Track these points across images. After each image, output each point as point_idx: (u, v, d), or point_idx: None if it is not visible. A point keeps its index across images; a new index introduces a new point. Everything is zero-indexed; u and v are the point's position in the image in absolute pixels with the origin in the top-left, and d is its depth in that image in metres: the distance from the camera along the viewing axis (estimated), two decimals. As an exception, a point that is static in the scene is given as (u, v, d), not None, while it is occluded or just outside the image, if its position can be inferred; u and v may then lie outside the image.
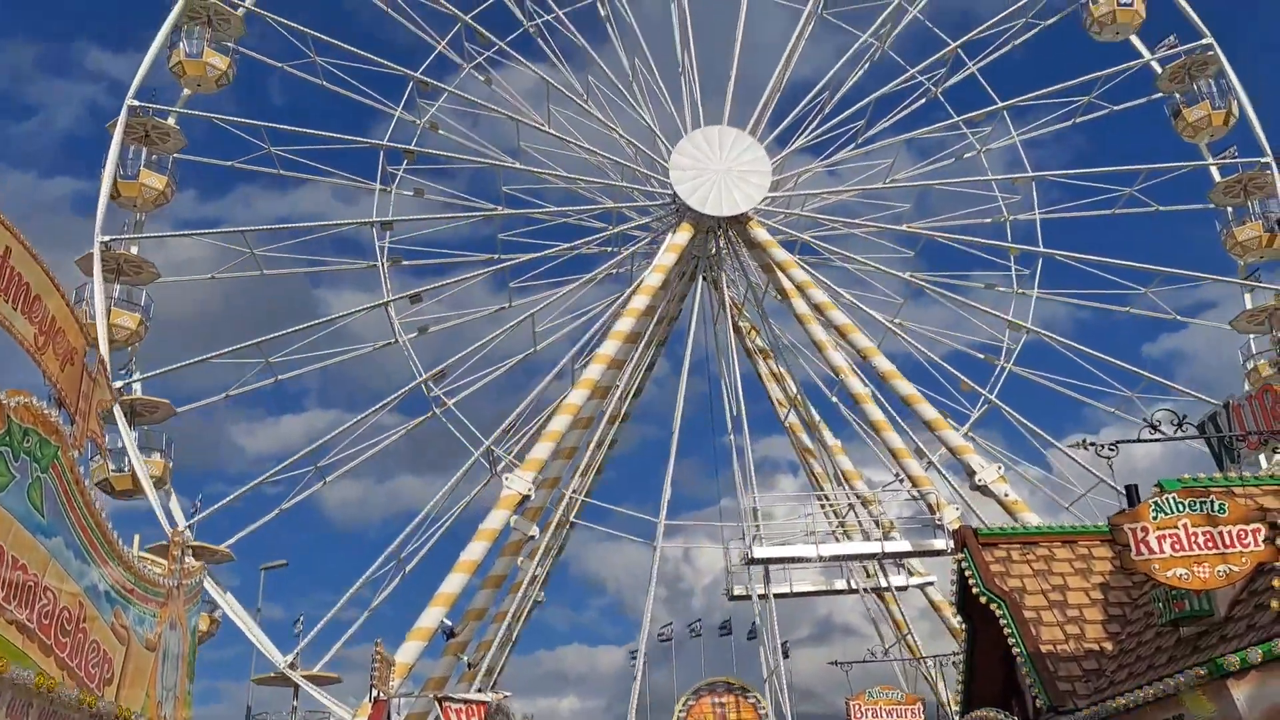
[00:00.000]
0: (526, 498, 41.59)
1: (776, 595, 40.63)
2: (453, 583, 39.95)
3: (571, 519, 48.57)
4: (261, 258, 44.21)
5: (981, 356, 48.83)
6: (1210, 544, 12.69)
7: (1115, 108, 49.51)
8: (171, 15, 43.44)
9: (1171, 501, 12.99)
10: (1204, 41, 47.59)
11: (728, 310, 48.74)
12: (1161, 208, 49.25)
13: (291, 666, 38.81)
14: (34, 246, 10.80)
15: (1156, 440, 13.52)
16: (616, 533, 46.74)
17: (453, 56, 48.15)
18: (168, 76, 44.03)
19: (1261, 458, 19.56)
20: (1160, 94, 48.67)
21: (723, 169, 46.63)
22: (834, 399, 50.06)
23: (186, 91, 44.16)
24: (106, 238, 41.29)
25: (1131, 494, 14.94)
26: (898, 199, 50.60)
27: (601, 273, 49.63)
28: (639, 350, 49.73)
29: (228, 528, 41.79)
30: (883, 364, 44.08)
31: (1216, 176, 47.80)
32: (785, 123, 49.08)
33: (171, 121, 43.10)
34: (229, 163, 45.62)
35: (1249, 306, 46.37)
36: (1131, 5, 48.37)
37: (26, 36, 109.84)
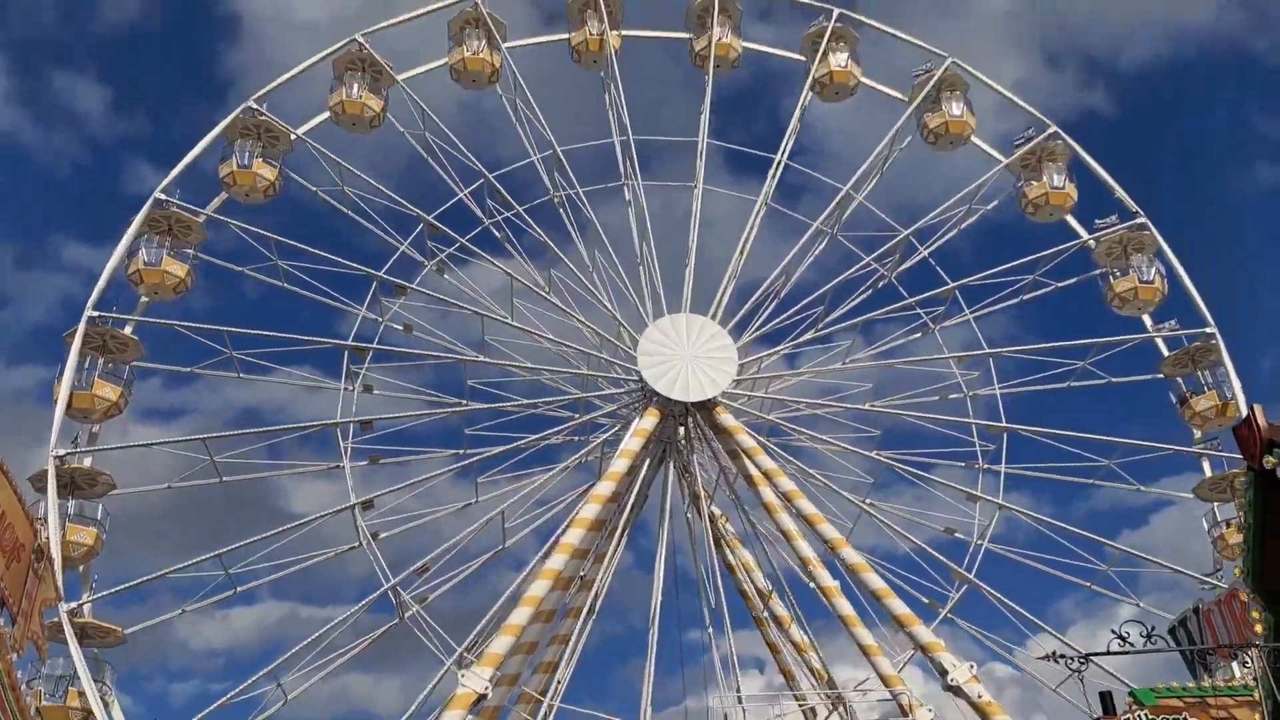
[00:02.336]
0: (483, 696, 39.92)
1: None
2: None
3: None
4: (221, 464, 43.79)
5: (956, 535, 48.68)
6: (1185, 763, 12.30)
7: (1060, 285, 50.77)
8: (132, 227, 44.28)
9: (1143, 719, 12.64)
10: (1138, 220, 49.62)
11: (700, 502, 48.38)
12: (1114, 379, 50.06)
13: None
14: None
15: (1126, 653, 13.23)
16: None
17: (415, 256, 48.92)
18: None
19: (1235, 665, 19.19)
20: (1099, 271, 50.23)
21: (689, 355, 46.97)
22: (812, 585, 49.48)
23: (144, 300, 44.68)
24: (61, 451, 40.98)
25: (1106, 702, 14.53)
26: (860, 379, 51.18)
27: (571, 463, 49.34)
28: (608, 539, 49.12)
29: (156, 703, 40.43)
30: (851, 556, 43.59)
31: (1164, 349, 49.03)
32: (745, 309, 49.86)
33: (129, 331, 43.44)
34: (189, 369, 46.15)
35: (1208, 475, 46.65)
36: (1063, 189, 50.72)
37: (2, 233, 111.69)
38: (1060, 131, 51.42)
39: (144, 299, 44.86)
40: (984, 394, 50.42)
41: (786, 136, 52.13)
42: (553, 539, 45.82)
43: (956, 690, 40.15)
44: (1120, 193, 50.61)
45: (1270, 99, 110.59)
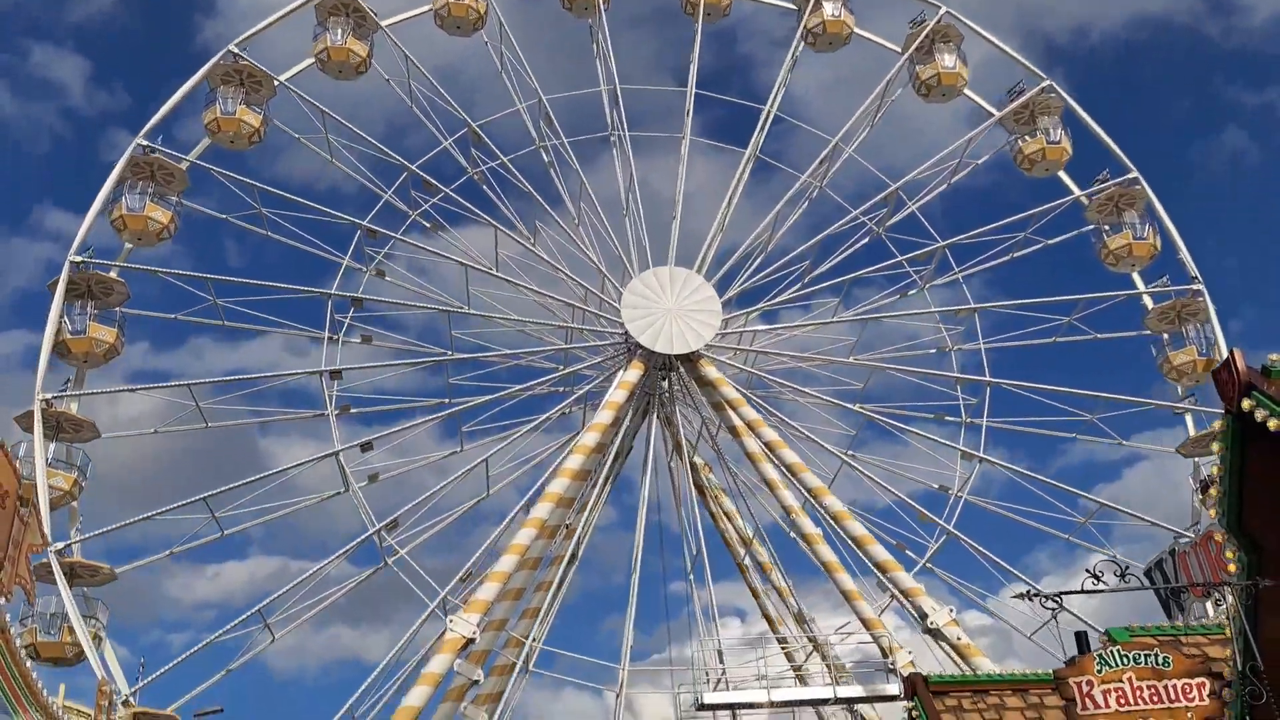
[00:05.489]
0: (471, 641, 40.52)
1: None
2: (394, 731, 38.73)
3: (529, 668, 47.39)
4: (207, 410, 43.82)
5: (935, 487, 49.08)
6: (1155, 698, 12.56)
7: (1049, 241, 50.95)
8: (114, 172, 43.97)
9: (1116, 654, 12.89)
10: (1130, 175, 49.62)
11: (682, 451, 48.64)
12: (1099, 335, 50.44)
13: None
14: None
15: (1100, 591, 13.44)
16: (571, 679, 45.78)
17: (399, 205, 48.72)
18: (113, 233, 44.32)
19: (1208, 605, 19.54)
20: (1091, 227, 50.39)
21: (673, 308, 47.09)
22: (792, 535, 49.91)
23: (128, 246, 44.33)
24: (47, 395, 40.87)
25: (1081, 642, 14.80)
26: (846, 334, 51.42)
27: (554, 414, 49.49)
28: (591, 488, 49.40)
29: (173, 687, 40.51)
30: (834, 504, 44.03)
31: (1150, 304, 49.27)
32: (730, 261, 49.94)
33: (114, 275, 43.12)
34: (173, 315, 45.79)
35: (1192, 432, 47.05)
36: (1059, 143, 50.51)
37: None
38: (1054, 85, 51.36)
39: (127, 245, 44.60)
40: (968, 349, 50.74)
41: (776, 85, 52.07)
42: (536, 486, 46.04)
43: (936, 633, 40.80)
44: (1113, 147, 50.57)
45: (1232, 70, 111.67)
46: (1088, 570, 14.02)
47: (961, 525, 46.87)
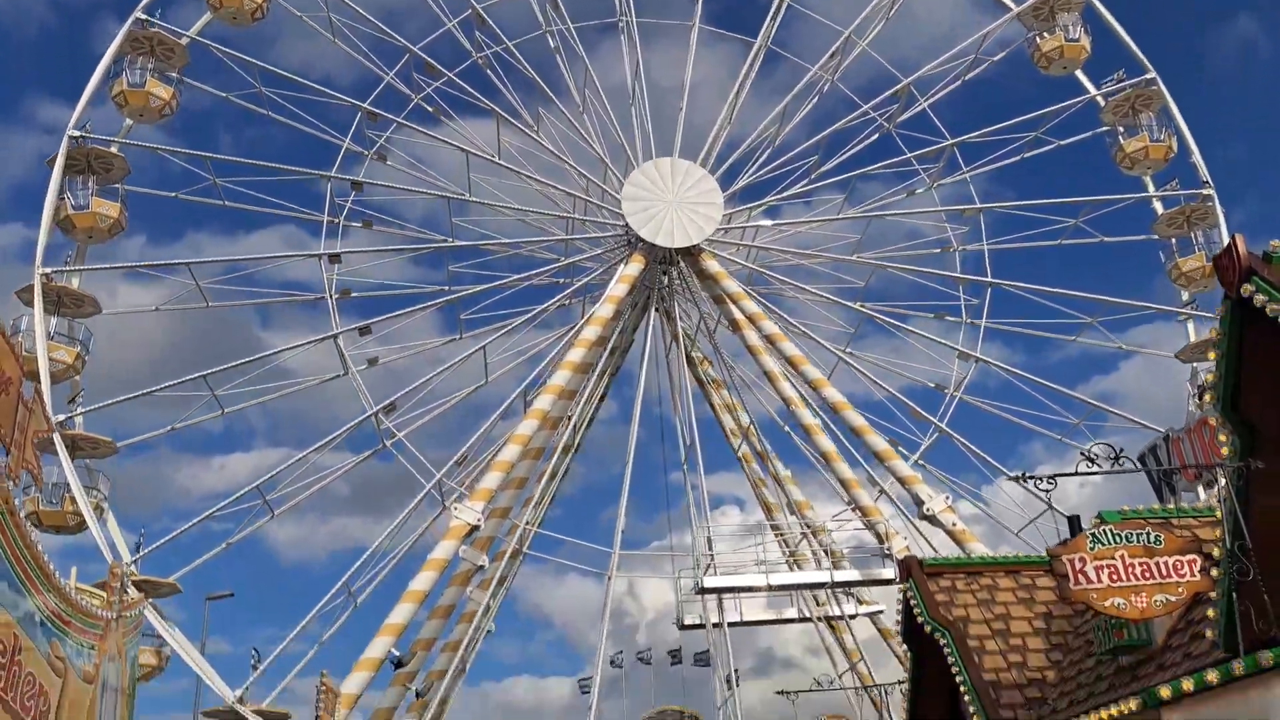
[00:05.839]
0: (475, 528, 41.31)
1: (728, 624, 40.67)
2: (400, 613, 39.46)
3: (524, 550, 48.36)
4: (208, 290, 43.78)
5: (931, 385, 49.40)
6: (1147, 574, 12.89)
7: (1062, 143, 50.41)
8: (113, 45, 43.19)
9: (1109, 533, 13.20)
10: (1148, 76, 48.71)
11: (680, 342, 48.90)
12: (1106, 239, 50.22)
13: (240, 701, 38.22)
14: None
15: (1093, 474, 13.75)
16: (570, 563, 46.77)
17: (401, 88, 48.16)
18: (111, 114, 43.82)
19: (1200, 490, 19.94)
20: (1105, 129, 49.68)
21: (674, 200, 46.89)
22: (786, 430, 50.41)
23: (128, 123, 43.88)
24: (48, 269, 40.76)
25: (1074, 525, 15.14)
26: (848, 232, 51.25)
27: (553, 304, 49.62)
28: (590, 381, 49.78)
29: (176, 565, 41.14)
30: (833, 395, 44.37)
31: (1160, 209, 48.78)
32: (735, 155, 49.56)
33: (114, 150, 42.72)
34: (174, 194, 45.30)
35: (1192, 338, 47.14)
36: (1078, 40, 49.49)
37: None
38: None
39: (128, 122, 44.06)
40: (972, 249, 50.67)
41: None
42: (534, 375, 46.42)
43: (932, 519, 41.55)
44: (1131, 46, 49.44)
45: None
46: (1082, 453, 14.32)
47: (956, 423, 47.37)
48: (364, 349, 46.31)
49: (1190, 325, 47.96)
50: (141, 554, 39.47)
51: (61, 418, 39.04)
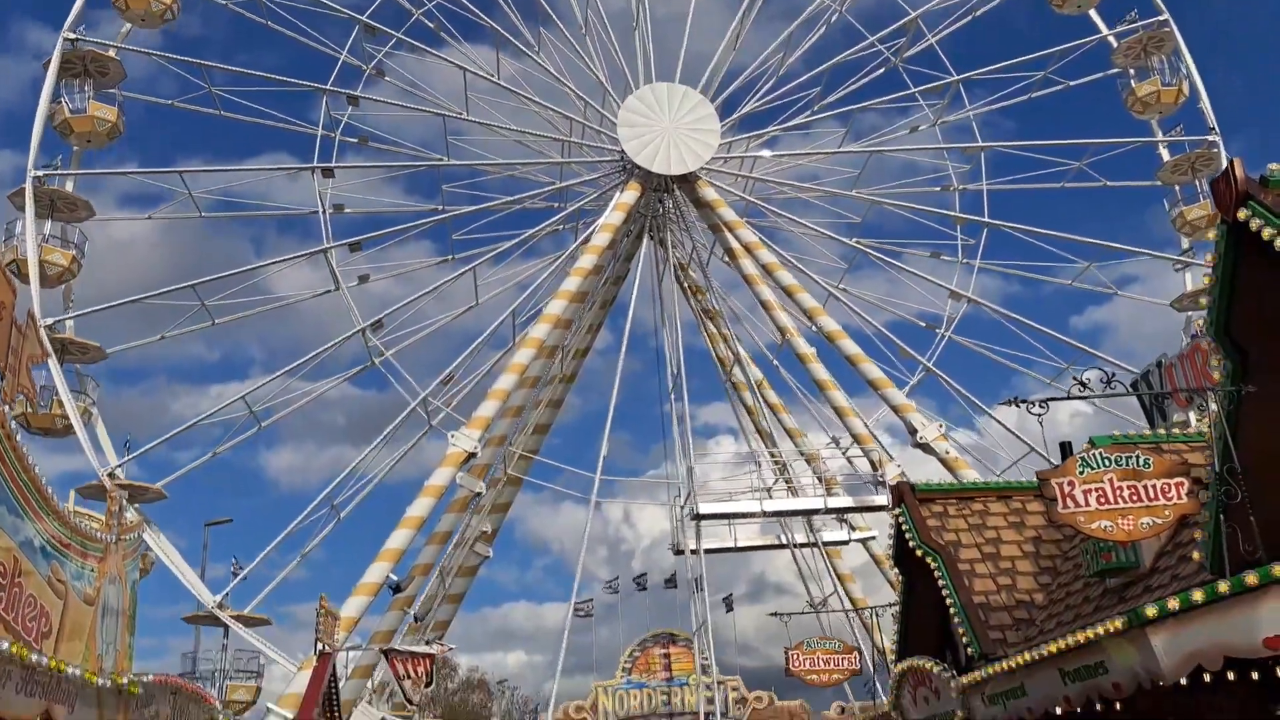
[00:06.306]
0: (472, 455, 41.65)
1: (721, 550, 41.18)
2: (398, 538, 39.88)
3: (521, 476, 48.80)
4: (201, 202, 43.56)
5: (923, 325, 49.46)
6: (1135, 497, 12.95)
7: (1071, 84, 49.91)
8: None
9: (1098, 457, 13.26)
10: (1161, 18, 48.09)
11: (671, 269, 48.79)
12: (1109, 183, 50.00)
13: (220, 606, 38.82)
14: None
15: (1085, 398, 13.77)
16: (555, 487, 47.24)
17: (402, 2, 47.52)
18: (108, 18, 43.17)
19: (1191, 415, 20.06)
20: (1115, 70, 49.15)
21: (671, 127, 46.55)
22: (775, 363, 50.63)
23: (126, 28, 43.24)
24: (40, 171, 40.41)
25: (1065, 450, 15.25)
26: (848, 167, 50.95)
27: (546, 227, 49.51)
28: (587, 311, 49.87)
29: (172, 490, 41.37)
30: (829, 324, 44.42)
31: (1165, 155, 48.29)
32: (737, 84, 49.12)
33: (111, 54, 42.11)
34: (170, 101, 45.11)
35: (1189, 288, 46.74)
36: (1094, -24, 48.88)
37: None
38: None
39: (126, 27, 43.28)
40: (972, 189, 50.43)
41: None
42: (525, 296, 46.42)
43: (925, 447, 41.84)
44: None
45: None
46: (1075, 378, 14.39)
47: (947, 362, 47.53)
48: (355, 266, 46.39)
49: (1188, 275, 47.61)
50: (127, 459, 39.75)
51: (50, 321, 39.01)
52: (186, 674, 34.39)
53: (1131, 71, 48.53)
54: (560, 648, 41.55)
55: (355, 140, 47.85)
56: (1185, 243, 47.86)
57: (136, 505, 35.31)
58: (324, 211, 45.14)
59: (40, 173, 40.35)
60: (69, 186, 41.23)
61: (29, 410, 37.44)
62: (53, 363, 38.27)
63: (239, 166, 46.43)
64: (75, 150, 41.95)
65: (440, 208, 48.42)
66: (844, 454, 43.62)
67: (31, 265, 38.55)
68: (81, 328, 40.84)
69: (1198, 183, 47.41)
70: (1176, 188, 48.03)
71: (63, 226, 40.90)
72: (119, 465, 38.70)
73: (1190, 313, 46.18)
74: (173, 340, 42.80)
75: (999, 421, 43.92)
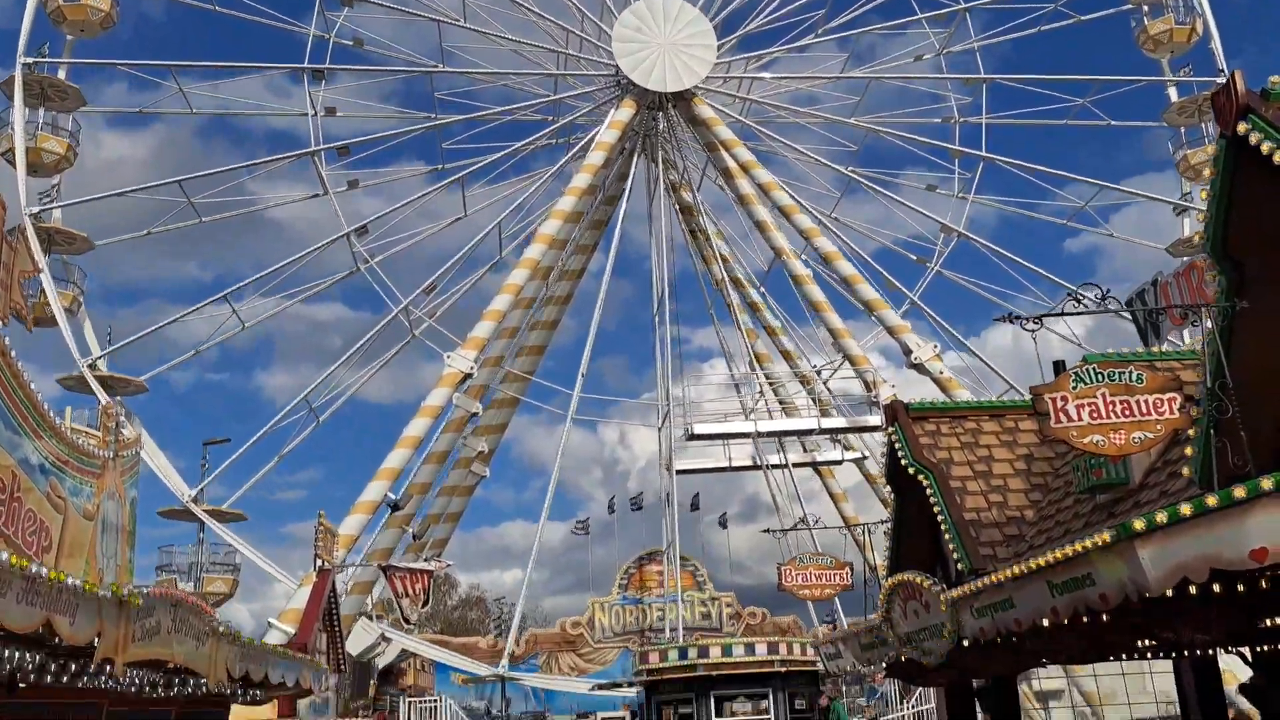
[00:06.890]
0: (468, 375, 41.78)
1: (716, 469, 41.45)
2: (395, 458, 40.10)
3: (518, 396, 48.97)
4: (191, 98, 43.30)
5: (914, 258, 49.36)
6: (1126, 412, 12.98)
7: (1082, 18, 49.29)
8: None
9: (1091, 372, 13.26)
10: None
11: (662, 186, 48.38)
12: (1113, 122, 49.91)
13: (195, 501, 39.22)
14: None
15: (1080, 314, 13.75)
16: (552, 409, 47.41)
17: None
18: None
19: (1185, 333, 20.11)
20: (1129, 5, 48.46)
21: (667, 42, 45.93)
22: (761, 290, 50.60)
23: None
24: (30, 59, 39.85)
25: (1058, 367, 15.28)
26: (847, 93, 50.49)
27: (539, 139, 49.11)
28: (581, 230, 49.61)
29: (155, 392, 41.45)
30: (825, 245, 44.35)
31: (1173, 95, 47.72)
32: (738, 1, 48.32)
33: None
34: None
35: (1186, 233, 46.48)
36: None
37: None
38: None
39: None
40: (971, 122, 49.96)
41: None
42: (521, 216, 46.16)
43: (919, 368, 41.98)
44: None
45: None
46: (1069, 293, 14.35)
47: (936, 295, 47.67)
48: (345, 173, 46.23)
49: (1185, 220, 47.29)
50: (110, 349, 39.81)
51: (36, 209, 38.82)
52: (163, 566, 35.18)
53: (1145, 8, 47.90)
54: (528, 561, 42.45)
55: (349, 43, 47.13)
56: (1185, 185, 47.48)
57: (119, 398, 35.52)
58: (314, 115, 44.81)
59: (30, 59, 39.77)
60: (60, 75, 40.66)
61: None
62: (36, 251, 38.14)
63: (231, 64, 45.50)
64: (68, 39, 41.29)
65: (433, 116, 47.93)
66: (826, 379, 43.53)
67: (19, 150, 38.20)
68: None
69: (1204, 126, 46.77)
70: (1182, 130, 47.57)
71: (54, 116, 40.44)
72: (101, 356, 38.72)
73: (1186, 258, 45.89)
74: (168, 261, 42.92)
75: (981, 359, 44.12)
